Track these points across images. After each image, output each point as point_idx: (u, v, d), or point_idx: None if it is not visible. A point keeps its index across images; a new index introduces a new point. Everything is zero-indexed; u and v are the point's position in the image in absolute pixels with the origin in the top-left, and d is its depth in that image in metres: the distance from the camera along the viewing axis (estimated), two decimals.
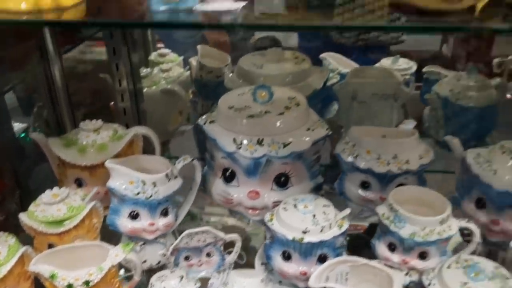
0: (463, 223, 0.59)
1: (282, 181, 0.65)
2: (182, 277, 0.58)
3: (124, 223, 0.62)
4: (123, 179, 0.60)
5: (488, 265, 0.54)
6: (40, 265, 0.55)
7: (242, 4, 0.43)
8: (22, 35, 0.78)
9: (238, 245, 0.63)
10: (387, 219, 0.59)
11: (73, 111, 0.85)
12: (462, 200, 0.67)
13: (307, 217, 0.58)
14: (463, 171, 0.67)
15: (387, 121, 0.86)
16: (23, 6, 0.46)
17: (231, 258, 0.63)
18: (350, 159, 0.66)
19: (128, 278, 0.62)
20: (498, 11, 0.42)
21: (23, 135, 1.04)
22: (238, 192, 0.65)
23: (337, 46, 1.14)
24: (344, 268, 0.56)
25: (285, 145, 0.63)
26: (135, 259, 0.58)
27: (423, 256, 0.58)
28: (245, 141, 0.62)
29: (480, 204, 0.64)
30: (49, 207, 0.61)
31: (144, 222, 0.61)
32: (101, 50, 0.97)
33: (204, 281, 0.62)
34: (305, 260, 0.58)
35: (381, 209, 0.61)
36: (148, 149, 0.77)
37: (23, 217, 0.62)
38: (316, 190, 0.69)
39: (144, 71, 0.91)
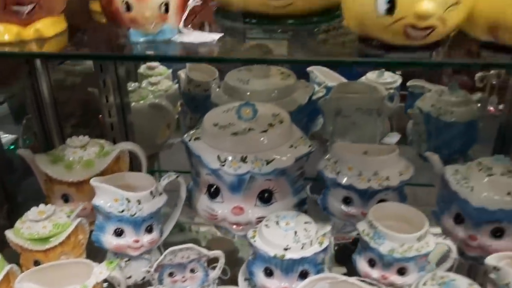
0: (440, 240, 0.60)
1: (265, 197, 0.66)
2: None
3: (109, 240, 0.62)
4: (108, 197, 0.61)
5: (463, 282, 0.55)
6: (25, 284, 0.55)
7: (219, 35, 0.44)
8: None
9: (222, 261, 0.64)
10: (367, 236, 0.61)
11: (61, 125, 0.86)
12: (442, 215, 0.68)
13: (288, 234, 0.60)
14: (442, 187, 0.68)
15: (371, 135, 0.88)
16: (6, 37, 0.47)
17: (215, 273, 0.64)
18: (332, 175, 0.68)
19: None
20: (462, 46, 0.44)
21: (12, 147, 1.04)
22: (223, 208, 0.66)
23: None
24: (324, 285, 0.58)
25: (268, 162, 0.64)
26: (119, 276, 0.59)
27: (402, 272, 0.60)
28: (229, 158, 0.64)
29: (459, 219, 0.65)
30: (35, 224, 0.62)
31: (128, 239, 0.62)
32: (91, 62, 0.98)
33: None
34: (287, 276, 0.59)
35: (362, 226, 0.62)
36: (136, 163, 0.78)
37: (9, 234, 0.63)
38: (300, 205, 0.70)
39: (132, 85, 0.93)
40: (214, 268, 0.66)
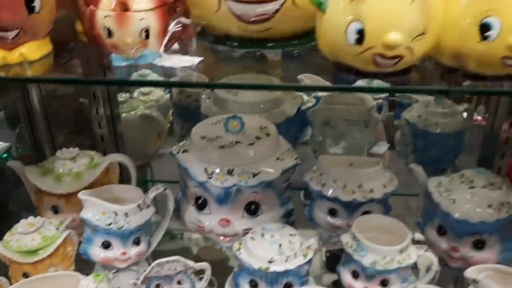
0: (422, 252, 0.61)
1: (252, 209, 0.67)
2: None
3: (96, 252, 0.63)
4: (96, 210, 0.62)
5: None
6: None
7: (199, 59, 0.45)
8: None
9: (208, 272, 0.65)
10: (350, 248, 0.62)
11: (52, 134, 0.86)
12: (425, 226, 0.70)
13: (273, 246, 0.61)
14: (425, 199, 0.70)
15: (359, 146, 0.89)
16: None
17: (201, 285, 0.65)
18: (318, 187, 0.69)
19: None
20: (433, 72, 0.45)
21: (5, 155, 1.05)
22: (210, 219, 0.67)
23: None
24: None
25: (254, 175, 0.65)
26: None
27: (384, 283, 0.61)
28: (216, 171, 0.65)
29: (441, 231, 0.67)
30: (24, 237, 0.63)
31: (116, 251, 0.63)
32: None
33: None
34: None
35: (345, 238, 0.63)
36: (126, 174, 0.78)
37: None
38: (287, 216, 0.71)
39: (123, 96, 0.94)
40: (201, 279, 0.67)
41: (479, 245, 0.64)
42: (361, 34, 0.40)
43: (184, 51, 0.47)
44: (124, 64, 0.45)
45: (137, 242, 0.64)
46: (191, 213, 0.69)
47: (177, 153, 0.70)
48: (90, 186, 0.70)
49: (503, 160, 0.75)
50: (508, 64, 0.40)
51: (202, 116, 0.85)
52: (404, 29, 0.39)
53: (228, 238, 0.68)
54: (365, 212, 0.68)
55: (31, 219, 0.65)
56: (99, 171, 0.72)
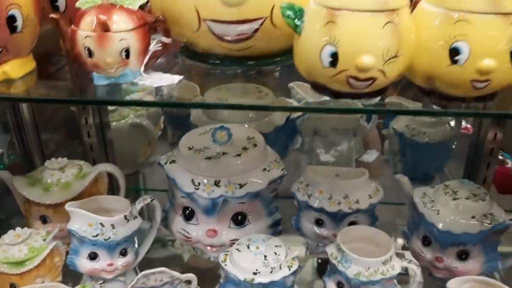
0: (405, 263, 0.62)
1: (239, 220, 0.68)
2: None
3: (83, 264, 0.64)
4: (82, 221, 0.62)
5: None
6: None
7: (179, 78, 0.46)
8: None
9: (194, 283, 0.65)
10: (335, 259, 0.62)
11: (42, 143, 0.87)
12: (411, 236, 0.70)
13: (258, 258, 0.61)
14: (411, 209, 0.70)
15: (348, 154, 0.90)
16: None
17: None
18: (304, 198, 0.69)
19: None
20: (406, 93, 0.46)
21: None
22: (197, 230, 0.68)
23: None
24: None
25: (241, 186, 0.65)
26: None
27: None
28: (202, 182, 0.65)
29: (426, 241, 0.67)
30: (11, 248, 0.63)
31: (102, 262, 0.63)
32: None
33: None
34: None
35: (330, 249, 0.64)
36: (116, 183, 0.79)
37: None
38: (274, 226, 0.72)
39: None
40: None
41: (463, 255, 0.65)
42: (334, 57, 0.41)
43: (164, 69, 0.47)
44: (105, 82, 0.45)
45: (124, 253, 0.65)
46: (178, 223, 0.70)
47: (165, 163, 0.70)
48: (79, 196, 0.70)
49: (488, 171, 0.76)
50: (478, 87, 0.41)
51: (192, 125, 0.86)
52: (376, 52, 0.40)
53: (215, 249, 0.69)
54: (351, 223, 0.69)
55: (18, 230, 0.65)
56: (88, 181, 0.72)
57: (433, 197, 0.67)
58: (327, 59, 0.40)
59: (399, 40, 0.40)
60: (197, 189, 0.65)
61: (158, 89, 0.45)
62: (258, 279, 0.59)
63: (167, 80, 0.45)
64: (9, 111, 0.85)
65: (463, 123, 0.97)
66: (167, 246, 0.93)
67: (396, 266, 0.61)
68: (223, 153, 0.68)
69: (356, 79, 0.41)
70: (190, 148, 0.69)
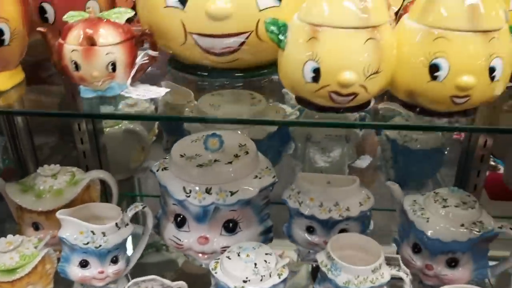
0: (394, 272, 0.62)
1: (231, 227, 0.68)
2: None
3: (74, 271, 0.64)
4: (73, 229, 0.62)
5: None
6: None
7: (166, 90, 0.46)
8: None
9: None
10: (325, 267, 0.63)
11: (35, 149, 0.87)
12: (401, 243, 0.71)
13: (248, 266, 0.61)
14: (401, 217, 0.71)
15: (340, 160, 0.90)
16: None
17: None
18: (295, 205, 0.70)
19: None
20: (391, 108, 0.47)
21: None
22: (188, 237, 0.68)
23: None
24: None
25: (232, 193, 0.66)
26: None
27: None
28: (194, 190, 0.65)
29: (416, 249, 0.68)
30: (2, 255, 0.63)
31: (93, 270, 0.64)
32: None
33: None
34: None
35: (320, 257, 0.64)
36: (109, 189, 0.79)
37: None
38: (266, 233, 0.72)
39: (107, 109, 0.94)
40: None
41: (452, 263, 0.65)
42: (317, 73, 0.41)
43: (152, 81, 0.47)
44: (92, 95, 0.45)
45: (115, 261, 0.65)
46: (170, 230, 0.70)
47: (157, 170, 0.70)
48: (71, 203, 0.71)
49: (478, 178, 0.77)
50: (457, 103, 0.42)
51: (186, 130, 0.86)
52: (358, 68, 0.41)
53: (206, 256, 0.69)
54: (342, 230, 0.69)
55: (10, 237, 0.65)
56: (80, 188, 0.72)
57: (423, 205, 0.68)
58: (309, 75, 0.41)
59: (380, 56, 0.41)
60: (188, 196, 0.65)
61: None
62: (248, 287, 0.60)
63: (154, 93, 0.45)
64: (2, 117, 0.85)
65: None
66: (161, 251, 0.93)
67: (386, 274, 0.61)
68: (215, 161, 0.68)
69: (338, 94, 0.41)
70: (182, 156, 0.69)
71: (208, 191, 0.66)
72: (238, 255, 0.63)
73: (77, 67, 0.45)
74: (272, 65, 0.45)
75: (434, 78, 0.41)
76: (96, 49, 0.44)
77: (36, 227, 0.73)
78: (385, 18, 0.41)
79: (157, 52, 0.47)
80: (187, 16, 0.46)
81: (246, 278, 0.60)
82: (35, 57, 0.52)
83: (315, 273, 0.79)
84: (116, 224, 0.64)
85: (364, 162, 0.98)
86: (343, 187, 0.69)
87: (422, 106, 0.43)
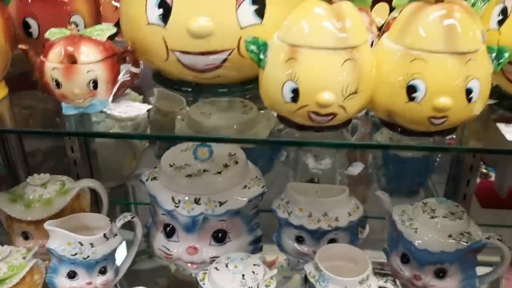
0: (382, 283, 0.62)
1: (220, 237, 0.68)
2: None
3: (62, 282, 0.64)
4: (61, 240, 0.62)
5: None
6: None
7: (148, 107, 0.46)
8: None
9: None
10: (313, 278, 0.63)
11: (26, 156, 0.87)
12: (390, 253, 0.71)
13: (236, 277, 0.62)
14: (390, 226, 0.71)
15: (332, 167, 0.90)
16: None
17: None
18: (284, 215, 0.70)
19: None
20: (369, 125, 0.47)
21: None
22: (178, 247, 0.68)
23: None
24: None
25: (221, 204, 0.66)
26: None
27: None
28: (183, 200, 0.65)
29: (405, 259, 0.68)
30: None
31: (81, 281, 0.64)
32: None
33: None
34: None
35: (308, 268, 0.64)
36: (100, 198, 0.79)
37: None
38: (255, 242, 0.72)
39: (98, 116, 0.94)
40: None
41: (440, 274, 0.65)
42: (295, 93, 0.41)
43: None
44: (74, 112, 0.45)
45: (103, 272, 0.65)
46: (159, 240, 0.70)
47: (146, 180, 0.70)
48: (60, 213, 0.71)
49: (468, 187, 0.77)
50: (435, 124, 0.42)
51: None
52: (336, 88, 0.41)
53: (195, 265, 0.69)
54: (332, 240, 0.69)
55: None
56: (69, 197, 0.72)
57: (411, 215, 0.68)
58: (288, 95, 0.41)
59: (359, 77, 0.41)
60: (177, 206, 0.65)
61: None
62: None
63: (136, 110, 0.45)
64: None
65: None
66: (153, 258, 0.93)
67: (373, 285, 0.61)
68: (204, 171, 0.68)
69: (317, 114, 0.41)
70: (171, 165, 0.69)
71: (197, 201, 0.66)
72: (226, 266, 0.63)
73: (58, 84, 0.45)
74: (256, 80, 0.45)
75: (411, 99, 0.41)
76: (76, 67, 0.44)
77: (26, 236, 0.73)
78: (364, 38, 0.41)
79: (139, 69, 0.47)
80: (168, 34, 0.46)
81: None
82: (20, 68, 0.52)
83: (308, 279, 0.79)
84: (105, 234, 0.64)
85: (356, 169, 0.98)
86: (332, 197, 0.70)
87: (401, 126, 0.43)
